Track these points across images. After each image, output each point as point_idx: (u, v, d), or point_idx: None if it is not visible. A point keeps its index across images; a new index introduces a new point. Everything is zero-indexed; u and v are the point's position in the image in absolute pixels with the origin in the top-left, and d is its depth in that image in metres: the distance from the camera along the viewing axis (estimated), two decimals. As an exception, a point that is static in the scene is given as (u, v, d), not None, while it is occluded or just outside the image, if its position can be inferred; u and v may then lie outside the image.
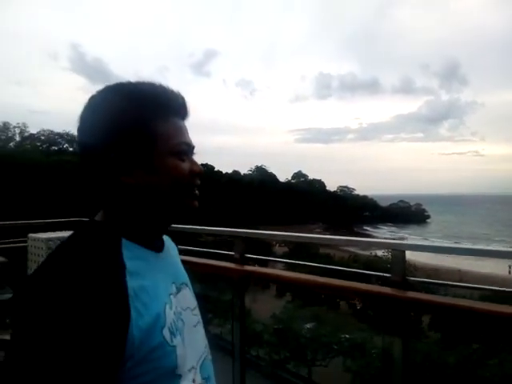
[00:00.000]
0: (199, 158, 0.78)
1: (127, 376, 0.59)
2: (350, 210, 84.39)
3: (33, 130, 57.10)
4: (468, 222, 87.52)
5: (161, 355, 0.63)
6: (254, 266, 2.48)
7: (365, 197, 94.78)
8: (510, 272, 34.13)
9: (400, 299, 1.54)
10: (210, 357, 0.83)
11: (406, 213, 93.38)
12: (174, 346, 0.66)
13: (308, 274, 1.97)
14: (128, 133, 0.69)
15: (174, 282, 0.76)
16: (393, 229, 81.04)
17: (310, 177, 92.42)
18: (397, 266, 1.61)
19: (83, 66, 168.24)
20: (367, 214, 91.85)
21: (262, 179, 77.26)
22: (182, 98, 0.76)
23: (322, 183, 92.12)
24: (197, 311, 0.84)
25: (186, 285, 0.83)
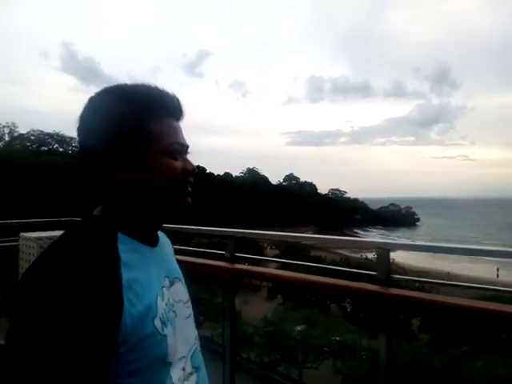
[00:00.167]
0: (191, 158, 0.82)
1: (120, 361, 0.63)
2: (341, 213, 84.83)
3: (23, 130, 56.60)
4: (458, 226, 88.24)
5: (152, 343, 0.67)
6: (245, 264, 2.52)
7: (356, 200, 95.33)
8: (497, 275, 34.62)
9: (384, 296, 1.60)
10: (199, 348, 0.87)
11: (396, 216, 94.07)
12: (165, 336, 0.70)
13: (297, 273, 2.01)
14: (124, 134, 0.73)
15: (167, 276, 0.80)
16: (382, 231, 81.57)
17: (302, 179, 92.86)
18: (382, 265, 1.67)
19: (75, 65, 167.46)
20: (358, 216, 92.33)
21: (253, 181, 77.28)
22: (177, 100, 0.81)
23: (314, 186, 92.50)
24: (189, 304, 0.88)
25: (179, 279, 0.87)
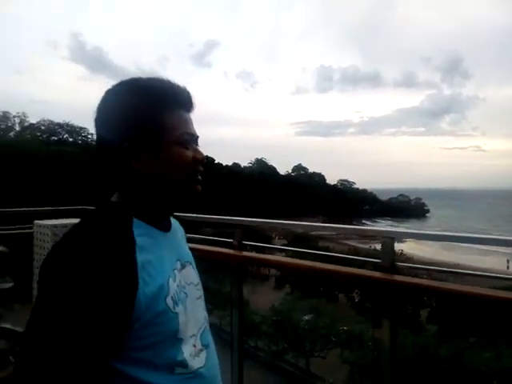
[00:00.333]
0: (200, 149, 0.87)
1: (134, 336, 0.70)
2: (350, 204, 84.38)
3: (33, 120, 56.90)
4: (467, 217, 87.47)
5: (164, 320, 0.73)
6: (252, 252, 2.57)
7: (364, 190, 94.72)
8: (507, 267, 34.36)
9: (388, 282, 1.64)
10: (208, 328, 0.92)
11: (406, 207, 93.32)
12: (176, 313, 0.76)
13: (303, 260, 2.05)
14: (139, 126, 0.78)
15: (178, 260, 0.86)
16: (390, 223, 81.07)
17: (310, 170, 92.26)
18: (386, 252, 1.71)
19: (83, 55, 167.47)
20: (367, 207, 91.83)
21: (262, 172, 77.12)
22: (188, 93, 0.86)
23: (322, 176, 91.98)
24: (200, 286, 0.94)
25: (190, 263, 0.93)
